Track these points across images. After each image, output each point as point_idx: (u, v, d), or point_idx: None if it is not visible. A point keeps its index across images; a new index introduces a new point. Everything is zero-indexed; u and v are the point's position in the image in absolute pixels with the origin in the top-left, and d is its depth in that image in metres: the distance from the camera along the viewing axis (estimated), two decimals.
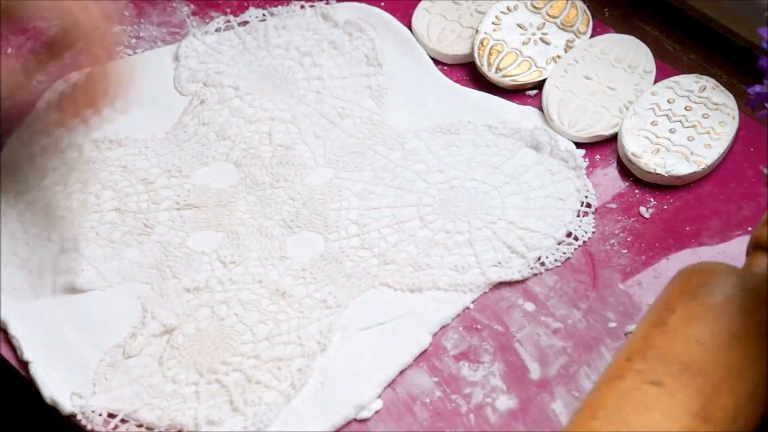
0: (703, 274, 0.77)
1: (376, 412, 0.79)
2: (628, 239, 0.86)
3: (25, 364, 0.82)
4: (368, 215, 0.88)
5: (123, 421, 0.79)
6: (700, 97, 0.91)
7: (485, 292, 0.84)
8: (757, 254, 0.79)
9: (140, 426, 0.79)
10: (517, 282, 0.84)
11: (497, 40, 0.95)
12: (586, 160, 0.90)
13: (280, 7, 1.00)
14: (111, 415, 0.79)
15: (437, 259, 0.85)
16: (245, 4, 1.00)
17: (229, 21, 0.99)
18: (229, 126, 0.93)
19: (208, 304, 0.83)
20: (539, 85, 0.94)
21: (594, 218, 0.87)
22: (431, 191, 0.88)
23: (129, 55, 0.97)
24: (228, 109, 0.94)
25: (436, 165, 0.90)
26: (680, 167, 0.88)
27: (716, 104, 0.91)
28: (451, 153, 0.90)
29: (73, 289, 0.85)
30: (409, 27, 0.98)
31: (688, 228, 0.87)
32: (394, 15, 0.98)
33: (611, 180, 0.90)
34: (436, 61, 0.96)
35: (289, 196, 0.89)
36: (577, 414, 0.74)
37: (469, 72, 0.96)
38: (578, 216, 0.87)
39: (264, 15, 0.99)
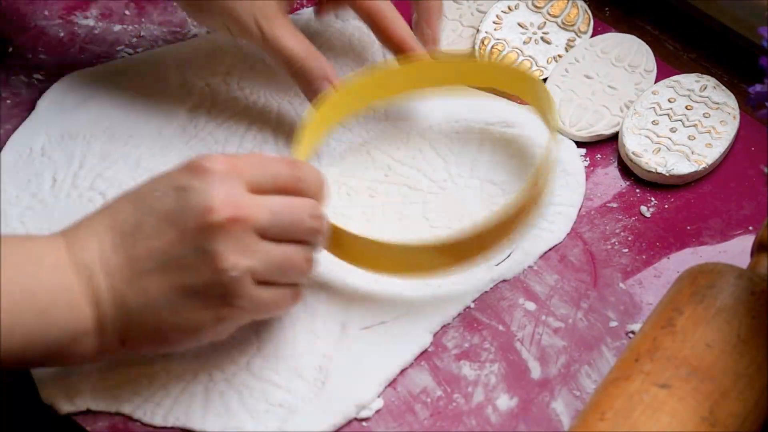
0: (710, 276, 0.77)
1: (377, 412, 0.79)
2: (629, 238, 0.86)
3: None
4: (372, 213, 0.88)
5: (124, 418, 0.79)
6: (700, 96, 0.91)
7: (486, 291, 0.84)
8: (762, 255, 0.79)
9: (144, 425, 0.79)
10: (518, 281, 0.84)
11: (498, 39, 0.95)
12: (587, 159, 0.90)
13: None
14: (111, 414, 0.79)
15: None
16: None
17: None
18: (234, 124, 0.93)
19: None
20: None
21: (595, 217, 0.87)
22: (435, 189, 0.88)
23: (130, 54, 0.97)
24: (233, 108, 0.94)
25: (440, 163, 0.90)
26: (681, 166, 0.88)
27: (717, 103, 0.91)
28: (454, 151, 0.91)
29: None
30: (410, 26, 0.98)
31: (689, 227, 0.87)
32: None
33: (612, 179, 0.90)
34: None
35: None
36: (583, 414, 0.74)
37: None
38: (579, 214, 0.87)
39: None
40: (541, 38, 0.96)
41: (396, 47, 0.89)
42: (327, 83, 0.87)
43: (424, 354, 0.81)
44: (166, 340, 0.75)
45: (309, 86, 0.87)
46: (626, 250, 0.86)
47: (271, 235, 0.74)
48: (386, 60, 0.96)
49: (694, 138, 0.90)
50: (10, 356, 0.72)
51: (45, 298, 0.72)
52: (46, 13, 1.00)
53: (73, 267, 0.73)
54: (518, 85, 0.90)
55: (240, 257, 0.73)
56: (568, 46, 0.95)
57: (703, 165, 0.88)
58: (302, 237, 0.76)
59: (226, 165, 0.74)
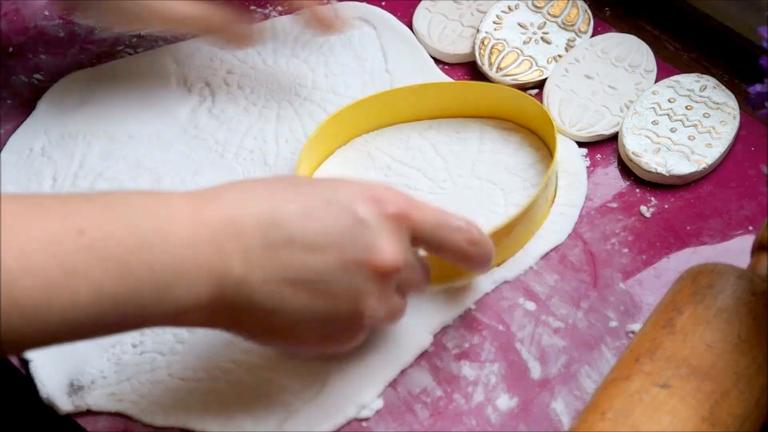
0: (710, 276, 0.77)
1: (377, 412, 0.79)
2: (629, 238, 0.86)
3: (25, 363, 0.82)
4: None
5: (124, 418, 0.79)
6: (700, 96, 0.91)
7: (486, 292, 0.84)
8: (762, 255, 0.79)
9: (144, 425, 0.79)
10: (519, 281, 0.84)
11: (498, 39, 0.95)
12: (587, 159, 0.90)
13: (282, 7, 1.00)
14: (111, 414, 0.79)
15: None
16: (246, 3, 1.00)
17: None
18: (235, 125, 0.93)
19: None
20: (540, 84, 0.94)
21: (595, 217, 0.87)
22: (435, 189, 0.88)
23: (130, 54, 0.97)
24: (233, 108, 0.94)
25: (440, 163, 0.90)
26: (681, 166, 0.88)
27: (717, 103, 0.91)
28: (454, 151, 0.91)
29: None
30: (410, 26, 0.98)
31: (688, 227, 0.87)
32: (395, 14, 0.98)
33: (612, 179, 0.90)
34: (437, 61, 0.96)
35: None
36: (583, 414, 0.74)
37: (470, 71, 0.96)
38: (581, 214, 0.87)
39: (269, 14, 0.99)
40: (541, 38, 0.96)
41: None
42: (237, 23, 0.87)
43: (424, 354, 0.81)
44: (273, 340, 0.74)
45: (224, 34, 0.88)
46: (626, 250, 0.86)
47: (405, 288, 0.76)
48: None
49: (694, 138, 0.90)
50: (119, 324, 0.69)
51: (166, 274, 0.68)
52: (46, 13, 1.00)
53: (208, 242, 0.69)
54: (520, 110, 0.90)
55: (380, 306, 0.73)
56: (568, 46, 0.95)
57: (703, 165, 0.88)
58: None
59: (401, 209, 0.73)
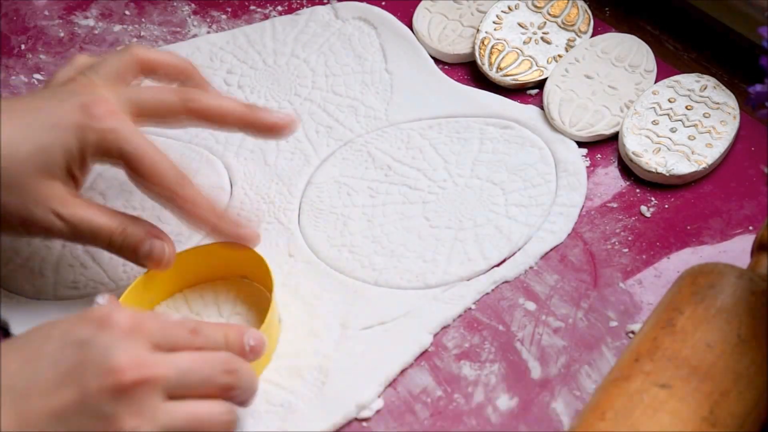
0: (710, 276, 0.77)
1: (377, 412, 0.79)
2: (629, 238, 0.86)
3: None
4: (372, 213, 0.88)
5: None
6: (701, 96, 0.91)
7: (486, 292, 0.84)
8: (762, 255, 0.79)
9: None
10: (519, 281, 0.84)
11: (498, 39, 0.95)
12: (588, 159, 0.90)
13: (283, 6, 1.00)
14: None
15: (442, 258, 0.85)
16: (246, 3, 1.00)
17: (232, 19, 0.99)
18: None
19: (215, 303, 0.84)
20: (540, 84, 0.94)
21: (595, 217, 0.87)
22: (435, 189, 0.89)
23: None
24: None
25: (440, 163, 0.90)
26: (681, 166, 0.88)
27: (717, 103, 0.91)
28: (455, 151, 0.91)
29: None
30: (410, 26, 0.98)
31: (689, 227, 0.87)
32: (395, 14, 0.98)
33: (612, 179, 0.90)
34: (437, 61, 0.96)
35: (294, 194, 0.89)
36: (583, 414, 0.74)
37: (470, 71, 0.96)
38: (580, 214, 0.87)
39: (269, 14, 0.99)
40: (541, 38, 0.96)
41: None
42: (156, 240, 0.80)
43: (424, 354, 0.81)
44: None
45: (139, 251, 0.79)
46: (626, 250, 0.86)
47: (179, 393, 0.70)
48: None
49: (694, 138, 0.90)
50: None
51: None
52: (46, 13, 1.00)
53: None
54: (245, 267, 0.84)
55: (141, 422, 0.68)
56: (569, 46, 0.95)
57: (704, 165, 0.89)
58: (216, 394, 0.71)
59: (131, 321, 0.69)
